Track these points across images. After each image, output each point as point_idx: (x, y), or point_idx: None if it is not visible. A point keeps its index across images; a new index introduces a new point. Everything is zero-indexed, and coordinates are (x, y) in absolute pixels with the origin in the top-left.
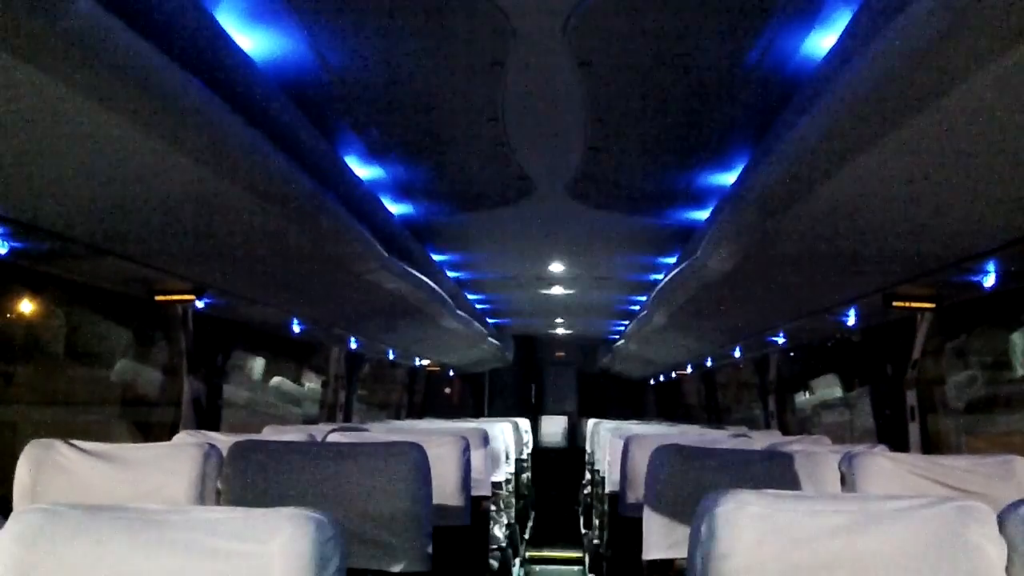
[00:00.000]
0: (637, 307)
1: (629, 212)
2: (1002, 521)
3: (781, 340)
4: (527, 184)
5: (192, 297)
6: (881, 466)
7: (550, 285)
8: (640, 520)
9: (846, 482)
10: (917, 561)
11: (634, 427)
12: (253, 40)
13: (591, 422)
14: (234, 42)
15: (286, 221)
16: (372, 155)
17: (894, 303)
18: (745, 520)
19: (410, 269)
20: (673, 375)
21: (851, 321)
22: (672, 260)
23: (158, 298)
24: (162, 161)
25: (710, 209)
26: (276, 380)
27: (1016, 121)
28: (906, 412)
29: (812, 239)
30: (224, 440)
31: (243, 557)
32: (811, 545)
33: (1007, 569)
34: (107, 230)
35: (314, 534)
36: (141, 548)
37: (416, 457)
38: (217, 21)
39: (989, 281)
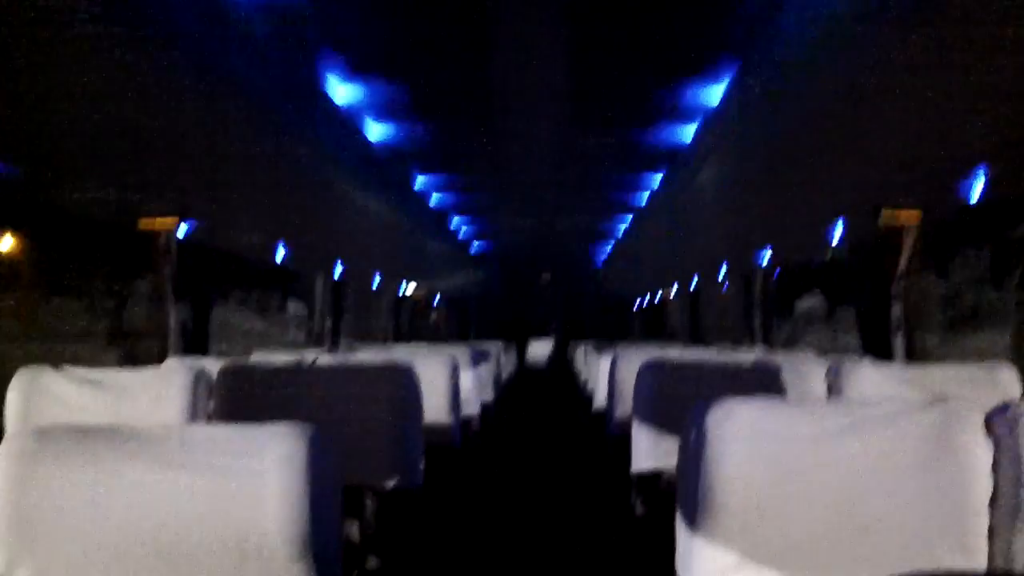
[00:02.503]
0: (623, 227)
1: (615, 129)
2: (988, 423)
3: (767, 257)
4: (510, 102)
5: (175, 221)
6: (867, 375)
7: (535, 208)
8: (627, 437)
9: (832, 392)
10: (905, 463)
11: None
12: None
13: (579, 345)
14: None
15: (268, 141)
16: (354, 73)
17: (881, 215)
18: (734, 428)
19: (392, 191)
20: (658, 297)
21: (838, 235)
22: (658, 178)
23: (142, 224)
24: (143, 82)
25: (696, 125)
26: (262, 307)
27: (1002, 28)
28: (891, 325)
29: (800, 150)
30: (214, 364)
31: (238, 472)
32: (800, 451)
33: (992, 469)
34: (90, 153)
35: (308, 448)
36: (137, 466)
37: (406, 377)
38: None
39: (977, 189)
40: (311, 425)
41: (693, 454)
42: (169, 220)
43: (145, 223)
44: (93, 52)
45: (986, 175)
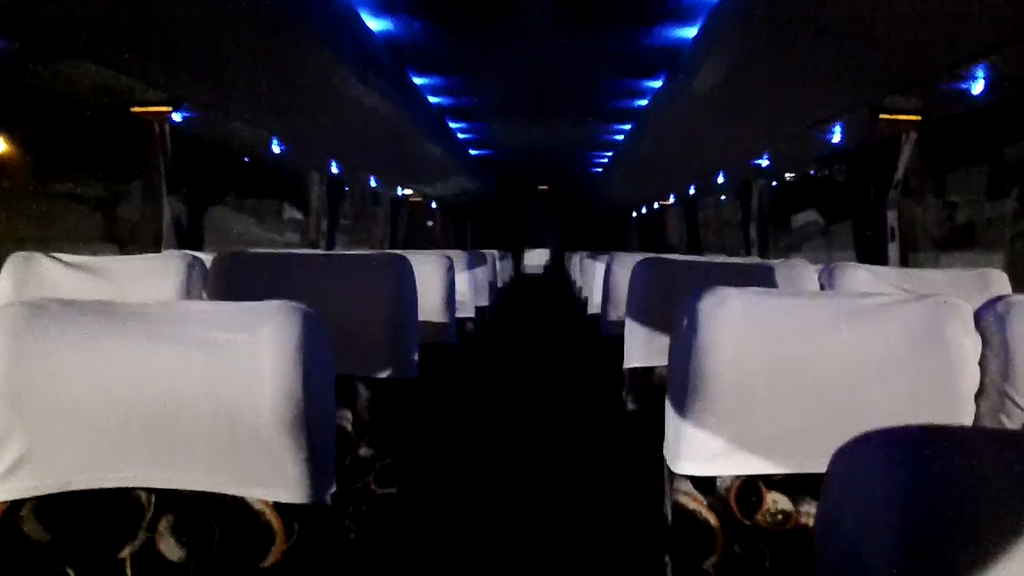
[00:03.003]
0: (621, 136)
1: (616, 28)
2: (978, 317)
3: (765, 164)
4: (511, 2)
5: (169, 109)
6: (860, 276)
7: (534, 115)
8: (621, 338)
9: (825, 290)
10: (895, 354)
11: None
12: None
13: (576, 254)
14: None
15: (264, 30)
16: None
17: (880, 116)
18: (726, 315)
19: (389, 88)
20: (656, 206)
21: (836, 139)
22: (658, 84)
23: (134, 110)
24: None
25: (697, 27)
26: (258, 207)
27: None
28: (886, 233)
29: (800, 49)
30: (208, 258)
31: (232, 347)
32: (791, 340)
33: (980, 363)
34: (83, 33)
35: (303, 324)
36: (130, 339)
37: (401, 267)
38: None
39: (977, 89)
40: (306, 303)
41: (684, 342)
42: (163, 108)
43: (138, 108)
44: None
45: (986, 75)
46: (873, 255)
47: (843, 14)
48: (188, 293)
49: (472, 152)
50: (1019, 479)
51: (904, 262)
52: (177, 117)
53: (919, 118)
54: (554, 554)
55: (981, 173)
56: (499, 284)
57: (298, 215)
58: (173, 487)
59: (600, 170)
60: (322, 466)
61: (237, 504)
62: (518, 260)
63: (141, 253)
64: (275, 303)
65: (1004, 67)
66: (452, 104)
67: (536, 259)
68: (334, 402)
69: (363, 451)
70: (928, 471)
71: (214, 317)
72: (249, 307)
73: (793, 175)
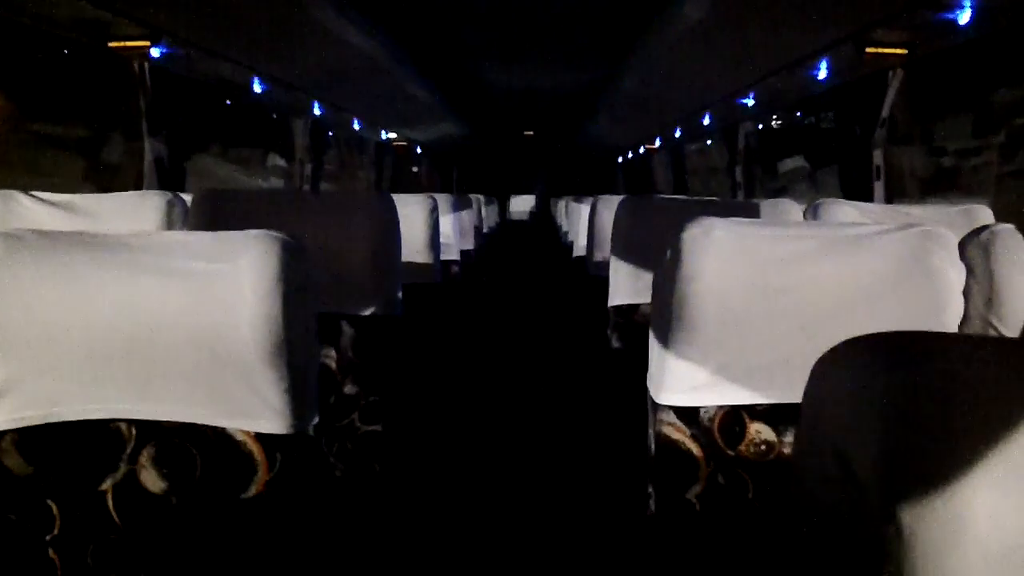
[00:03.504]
0: (607, 79)
1: None
2: (962, 247)
3: (751, 104)
4: None
5: (147, 44)
6: (845, 212)
7: (519, 58)
8: (606, 279)
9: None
10: (880, 283)
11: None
12: None
13: (561, 199)
14: None
15: None
16: None
17: (867, 49)
18: (711, 244)
19: (373, 25)
20: (642, 151)
21: (822, 75)
22: (643, 22)
23: (111, 44)
24: None
25: None
26: (241, 153)
27: None
28: (872, 172)
29: None
30: (188, 197)
31: (212, 276)
32: (776, 269)
33: (964, 292)
34: None
35: (283, 253)
36: (109, 269)
37: (384, 206)
38: None
39: (964, 18)
40: (286, 232)
41: (669, 273)
42: (141, 43)
43: (116, 45)
44: None
45: (973, 4)
46: (859, 194)
47: None
48: (168, 228)
49: (457, 96)
50: (999, 382)
51: (889, 198)
52: (156, 53)
53: (905, 52)
54: (539, 488)
55: (966, 122)
56: (485, 229)
57: (282, 162)
58: (154, 418)
59: (586, 114)
60: (304, 396)
61: (219, 435)
62: (504, 206)
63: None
64: (254, 232)
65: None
66: (437, 46)
67: (522, 205)
68: (316, 333)
69: (347, 389)
70: (908, 373)
71: (193, 247)
72: (228, 236)
73: (779, 119)
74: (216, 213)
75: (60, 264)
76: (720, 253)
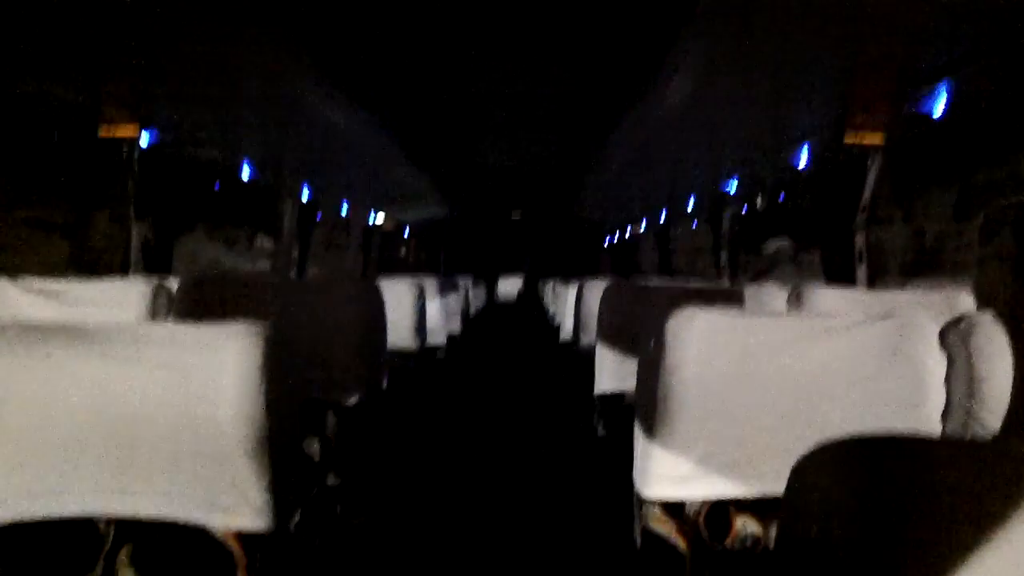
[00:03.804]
0: (594, 162)
1: (583, 51)
2: (943, 336)
3: (735, 188)
4: (481, 29)
5: (136, 132)
6: (828, 298)
7: (507, 140)
8: (592, 363)
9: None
10: (861, 373)
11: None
12: None
13: (549, 281)
14: None
15: (232, 45)
16: None
17: (846, 138)
18: (693, 334)
19: (362, 110)
20: (627, 234)
21: (803, 162)
22: (628, 107)
23: (102, 132)
24: None
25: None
26: (228, 237)
27: None
28: (854, 256)
29: (766, 65)
30: (175, 283)
31: (195, 368)
32: (758, 359)
33: (945, 381)
34: (47, 53)
35: (266, 345)
36: (91, 362)
37: (371, 293)
38: None
39: (939, 110)
40: (270, 324)
41: (652, 362)
42: (131, 128)
43: (106, 131)
44: None
45: (947, 96)
46: (841, 278)
47: (806, 36)
48: (153, 318)
49: (445, 177)
50: (973, 487)
51: (872, 283)
52: (145, 139)
53: (883, 140)
54: None
55: (947, 201)
56: (471, 311)
57: (270, 244)
58: (133, 514)
59: (573, 195)
60: (286, 492)
61: (199, 533)
62: (491, 287)
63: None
64: (237, 324)
65: (963, 87)
66: (426, 129)
67: (510, 286)
68: (299, 427)
69: (331, 480)
70: (885, 479)
71: (175, 339)
72: (211, 329)
73: (762, 200)
74: (201, 300)
75: (41, 357)
76: (703, 342)
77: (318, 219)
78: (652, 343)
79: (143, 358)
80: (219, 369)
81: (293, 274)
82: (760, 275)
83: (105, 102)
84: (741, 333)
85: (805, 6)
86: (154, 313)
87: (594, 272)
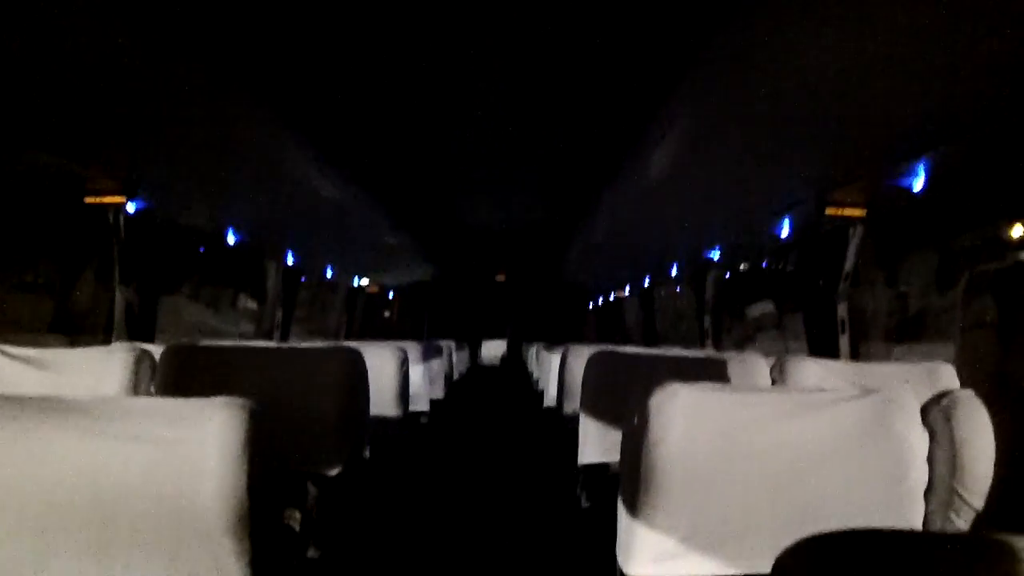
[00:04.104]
0: (578, 226)
1: (569, 119)
2: (924, 412)
3: (718, 256)
4: (470, 89)
5: (123, 199)
6: (811, 369)
7: (492, 203)
8: (577, 431)
9: (776, 384)
10: (844, 449)
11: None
12: None
13: (533, 345)
14: None
15: (219, 115)
16: None
17: (827, 210)
18: (677, 410)
19: (347, 175)
20: (612, 298)
21: (785, 232)
22: (613, 175)
23: (88, 199)
24: (89, 44)
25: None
26: (212, 298)
27: (939, 14)
28: (837, 325)
29: (748, 138)
30: (158, 350)
31: (176, 444)
32: (741, 434)
33: (928, 458)
34: (34, 121)
35: (249, 422)
36: (71, 435)
37: (353, 361)
38: None
39: (918, 185)
40: (252, 399)
41: (636, 437)
42: (117, 197)
43: (92, 199)
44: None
45: (926, 171)
46: (825, 348)
47: (787, 110)
48: (136, 386)
49: (430, 241)
50: None
51: (856, 356)
52: (131, 206)
53: (864, 212)
54: None
55: (929, 264)
56: (455, 376)
57: (253, 305)
58: None
59: (557, 259)
60: (267, 568)
61: None
62: (475, 350)
63: (91, 343)
64: (220, 399)
65: (942, 164)
66: (410, 194)
67: (493, 350)
68: (280, 501)
69: (311, 552)
70: None
71: (157, 413)
72: (193, 403)
73: (745, 266)
74: (184, 369)
75: (20, 429)
76: (687, 418)
77: (303, 281)
78: (636, 418)
79: (124, 433)
80: (201, 445)
81: (277, 336)
82: (744, 340)
83: (92, 169)
84: (725, 408)
85: (786, 84)
86: (136, 382)
87: (579, 335)
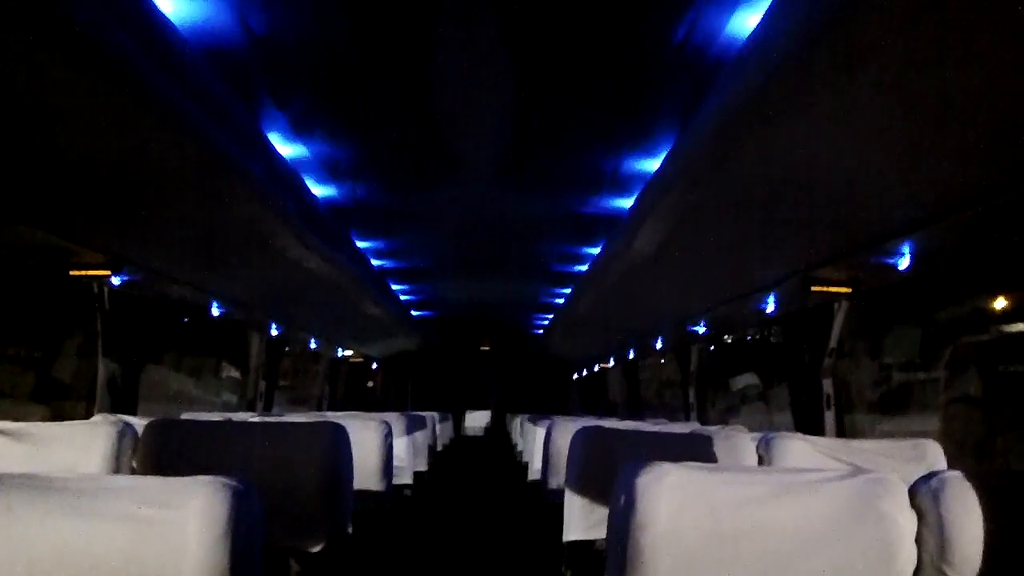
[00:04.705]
0: (562, 300)
1: (556, 197)
2: (912, 494)
3: (702, 330)
4: (453, 167)
5: (108, 272)
6: (797, 447)
7: (476, 275)
8: (562, 505)
9: (763, 463)
10: (832, 530)
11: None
12: (174, 2)
13: (516, 416)
14: (155, 3)
15: (205, 192)
16: (296, 132)
17: (812, 287)
18: (664, 490)
19: (332, 251)
20: (596, 368)
21: (770, 308)
22: (597, 250)
23: (73, 272)
24: (77, 123)
25: (634, 197)
26: (195, 367)
27: (922, 102)
28: (822, 401)
29: (733, 219)
30: (141, 423)
31: (158, 523)
32: (729, 515)
33: (916, 539)
34: (20, 196)
35: (232, 501)
36: (52, 514)
37: (337, 436)
38: None
39: (904, 264)
40: (235, 478)
41: (622, 517)
42: (102, 271)
43: (78, 272)
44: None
45: (912, 251)
46: (810, 424)
47: (772, 192)
48: (118, 461)
49: (414, 312)
50: None
51: (841, 431)
52: (116, 280)
53: (850, 290)
54: None
55: (913, 337)
56: (438, 447)
57: (236, 374)
58: None
59: (541, 331)
60: None
61: None
62: (459, 421)
63: (74, 412)
64: (203, 479)
65: (927, 243)
66: (395, 266)
67: (477, 420)
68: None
69: None
70: None
71: (138, 492)
72: (175, 482)
73: (730, 338)
74: (166, 443)
75: (2, 508)
76: (674, 499)
77: (286, 352)
78: (623, 497)
79: (107, 512)
80: (184, 525)
81: (260, 407)
82: (729, 411)
83: (78, 244)
84: (713, 489)
85: (774, 168)
86: (119, 455)
87: (563, 405)
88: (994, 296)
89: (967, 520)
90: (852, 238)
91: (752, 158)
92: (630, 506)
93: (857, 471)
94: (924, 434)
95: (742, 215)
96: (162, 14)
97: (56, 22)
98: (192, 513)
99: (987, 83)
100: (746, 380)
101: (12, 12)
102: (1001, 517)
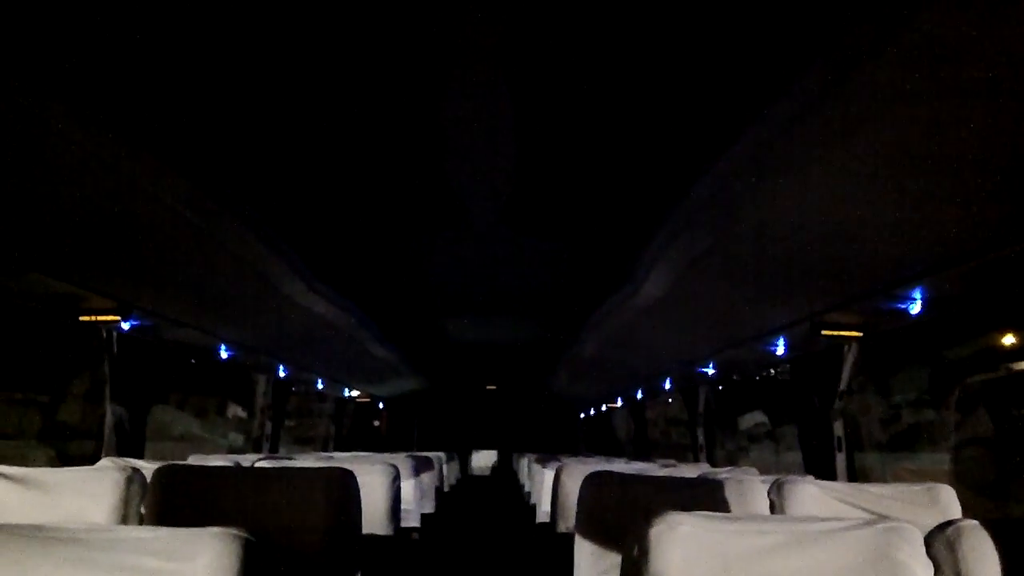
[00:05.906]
0: (570, 339)
1: (562, 238)
2: (928, 543)
3: (711, 372)
4: (460, 209)
5: (117, 318)
6: (809, 492)
7: (483, 316)
8: (570, 549)
9: (775, 508)
10: None
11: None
12: None
13: (523, 457)
14: None
15: (213, 239)
16: None
17: (822, 331)
18: (677, 541)
19: (339, 296)
20: (603, 408)
21: (780, 351)
22: (606, 292)
23: (82, 318)
24: (86, 173)
25: (644, 238)
26: (201, 407)
27: (928, 158)
28: (833, 443)
29: (743, 264)
30: (148, 467)
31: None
32: (742, 566)
33: None
34: (31, 244)
35: (241, 553)
36: (62, 568)
37: (345, 482)
38: None
39: (915, 309)
40: (244, 530)
41: (636, 566)
42: (111, 316)
43: (87, 317)
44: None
45: (923, 296)
46: (821, 465)
47: (782, 241)
48: (126, 507)
49: (420, 353)
50: None
51: (852, 475)
52: (125, 325)
53: (860, 334)
54: None
55: (922, 377)
56: (445, 488)
57: (242, 413)
58: None
59: (549, 371)
60: None
61: None
62: (465, 461)
63: (80, 454)
64: (212, 530)
65: (937, 289)
66: (401, 308)
67: (484, 460)
68: None
69: None
70: None
71: (147, 544)
72: (184, 534)
73: (738, 377)
74: (175, 489)
75: (12, 561)
76: (687, 549)
77: (292, 393)
78: (636, 547)
79: (116, 564)
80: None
81: (266, 448)
82: (738, 451)
83: (87, 290)
84: (726, 539)
85: (783, 216)
86: (127, 502)
87: (569, 445)
88: (1002, 332)
89: (984, 570)
90: (863, 284)
91: (762, 208)
92: (643, 555)
93: (872, 520)
94: (934, 473)
95: (752, 262)
96: None
97: (62, 76)
98: (201, 567)
99: (988, 142)
100: (754, 419)
101: (18, 66)
102: (1019, 566)
